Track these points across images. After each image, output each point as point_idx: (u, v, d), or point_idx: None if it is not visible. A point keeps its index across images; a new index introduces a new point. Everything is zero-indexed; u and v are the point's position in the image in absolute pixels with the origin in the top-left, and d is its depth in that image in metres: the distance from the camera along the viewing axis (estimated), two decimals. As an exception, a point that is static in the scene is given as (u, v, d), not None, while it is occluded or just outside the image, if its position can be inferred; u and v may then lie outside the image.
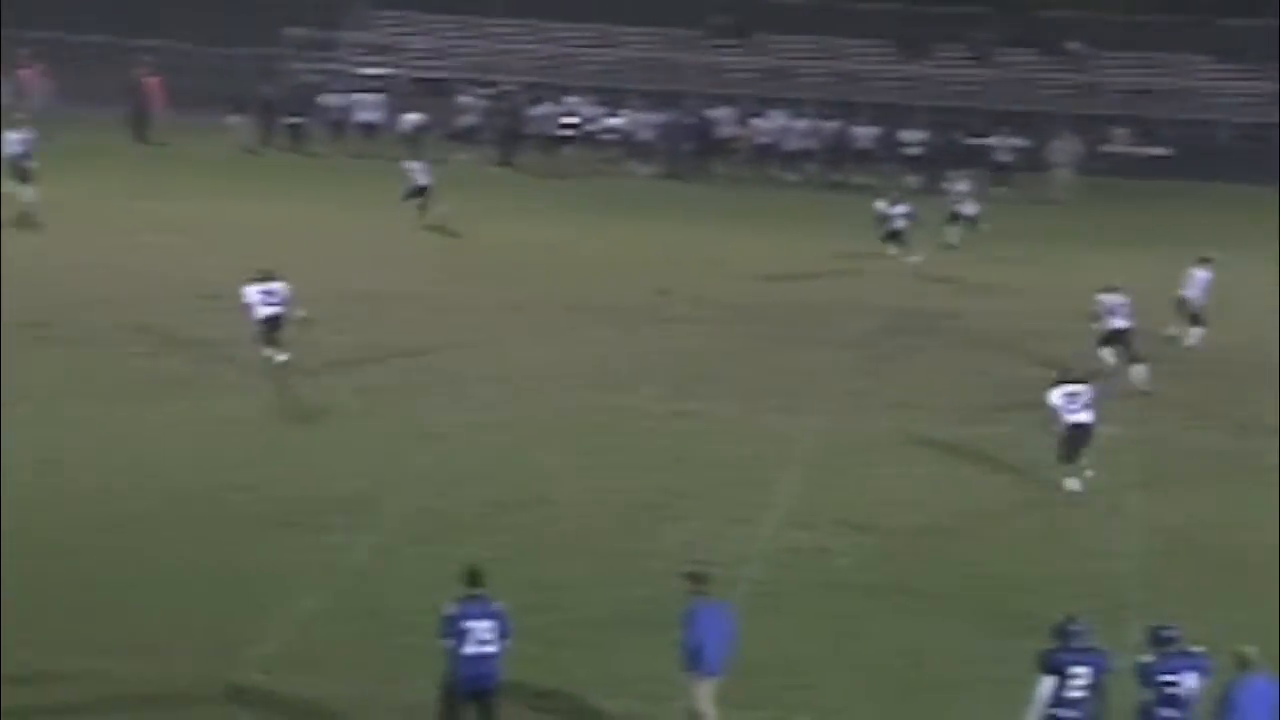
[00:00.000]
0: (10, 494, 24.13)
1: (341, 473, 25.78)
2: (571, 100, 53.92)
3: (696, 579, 18.52)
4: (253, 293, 30.30)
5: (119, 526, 23.46)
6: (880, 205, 40.77)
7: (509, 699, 18.74)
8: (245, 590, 21.72)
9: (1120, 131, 55.26)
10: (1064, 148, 52.49)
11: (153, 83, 52.24)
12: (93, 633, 20.26)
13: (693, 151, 52.45)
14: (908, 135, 52.59)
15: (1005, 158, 52.45)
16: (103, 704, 18.82)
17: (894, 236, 40.26)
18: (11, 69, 52.29)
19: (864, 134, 53.22)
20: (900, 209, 40.55)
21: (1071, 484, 26.22)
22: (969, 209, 42.67)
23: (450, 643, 17.62)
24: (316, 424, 27.93)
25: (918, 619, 21.85)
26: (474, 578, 17.95)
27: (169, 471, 25.48)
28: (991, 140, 52.73)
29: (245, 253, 35.45)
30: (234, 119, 51.80)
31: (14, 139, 40.31)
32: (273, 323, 30.19)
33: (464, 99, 53.88)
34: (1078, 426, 26.19)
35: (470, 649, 17.58)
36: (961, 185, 43.33)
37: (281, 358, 30.23)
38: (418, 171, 42.09)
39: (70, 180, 43.06)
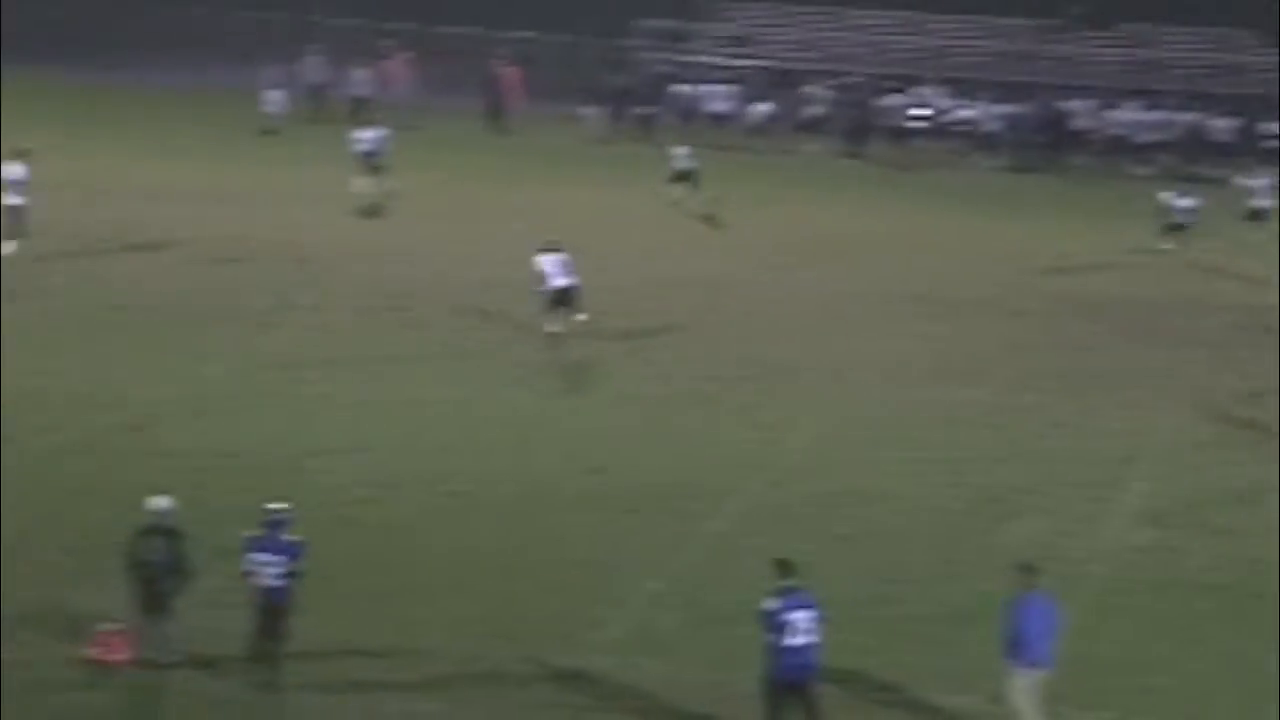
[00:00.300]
0: (364, 476, 24.96)
1: (683, 460, 26.13)
2: (922, 91, 53.64)
3: (1025, 570, 18.45)
4: (542, 264, 31.11)
5: (471, 508, 24.09)
6: (1165, 198, 39.99)
7: (846, 691, 18.91)
8: (588, 574, 22.17)
9: None
10: None
11: (511, 73, 53.26)
12: (446, 612, 20.85)
13: (1044, 144, 51.81)
14: (1268, 128, 51.22)
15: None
16: (455, 680, 19.36)
17: (1175, 230, 39.44)
18: (376, 60, 53.76)
19: (1221, 126, 51.98)
20: (1185, 202, 39.72)
21: None
22: (1264, 202, 41.50)
23: (772, 637, 17.78)
24: (661, 411, 28.32)
25: (1269, 623, 21.38)
26: (785, 569, 18.08)
27: (517, 455, 26.08)
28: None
29: (588, 241, 36.04)
30: (587, 109, 52.60)
31: (365, 137, 41.42)
32: (563, 294, 30.93)
33: (810, 90, 53.93)
34: None
35: (791, 641, 17.75)
36: (1257, 180, 42.13)
37: (556, 329, 30.93)
38: (683, 157, 42.30)
39: (425, 170, 44.21)
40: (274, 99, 50.18)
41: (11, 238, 34.13)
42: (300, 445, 25.81)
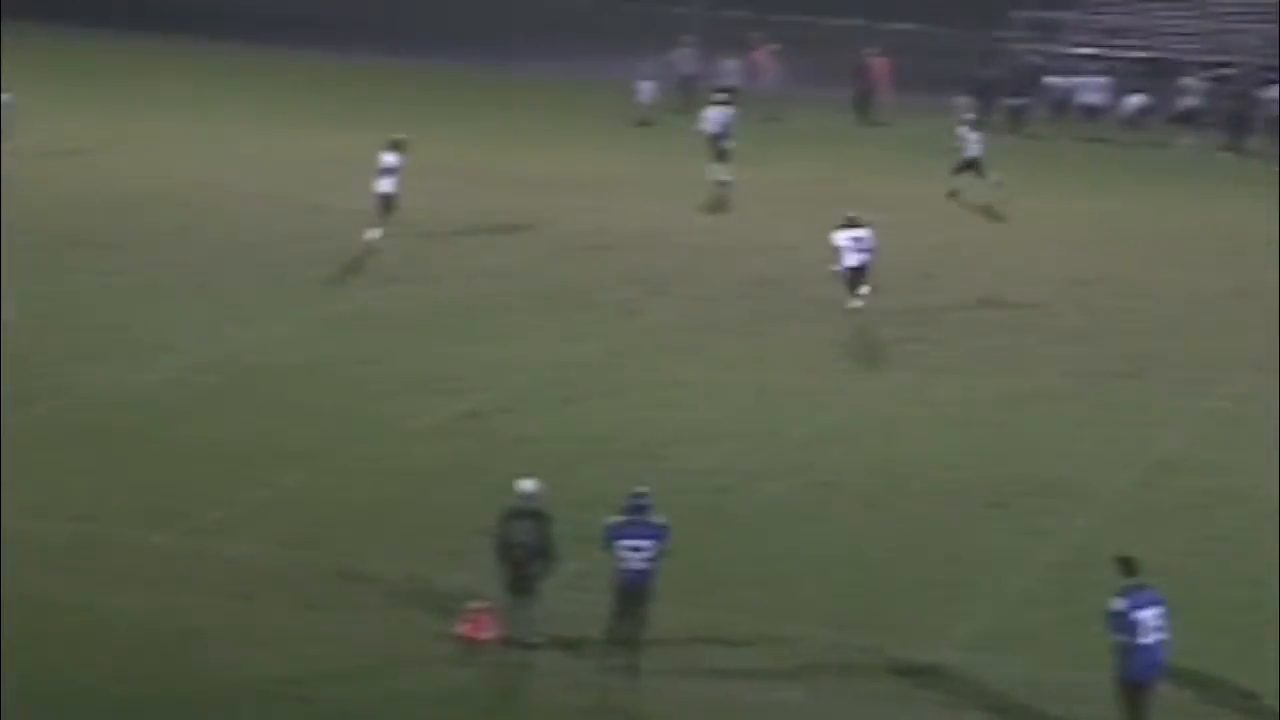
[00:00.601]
0: (725, 464, 25.12)
1: (1047, 455, 25.82)
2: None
3: None
4: (841, 239, 31.53)
5: (831, 500, 24.10)
6: None
7: (1205, 697, 18.52)
8: (948, 569, 22.04)
9: None
10: None
11: (880, 64, 53.06)
12: (804, 603, 20.92)
13: None
14: None
15: None
16: (812, 671, 19.42)
17: None
18: (745, 52, 54.05)
19: None
20: None
21: None
22: None
23: (1122, 637, 17.45)
24: (1025, 405, 28.02)
25: None
26: (1129, 567, 17.74)
27: (878, 447, 26.02)
28: None
29: (953, 233, 35.88)
30: (959, 100, 52.16)
31: (712, 117, 41.58)
32: (859, 270, 31.39)
33: (1186, 81, 52.67)
34: None
35: (1142, 640, 17.41)
36: None
37: (857, 304, 31.40)
38: (972, 143, 41.50)
39: (788, 160, 44.31)
40: (645, 90, 50.80)
41: (378, 224, 35.17)
42: (662, 432, 26.11)
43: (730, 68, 52.85)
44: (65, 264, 32.86)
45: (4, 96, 40.52)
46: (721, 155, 40.95)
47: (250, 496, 23.02)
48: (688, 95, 52.49)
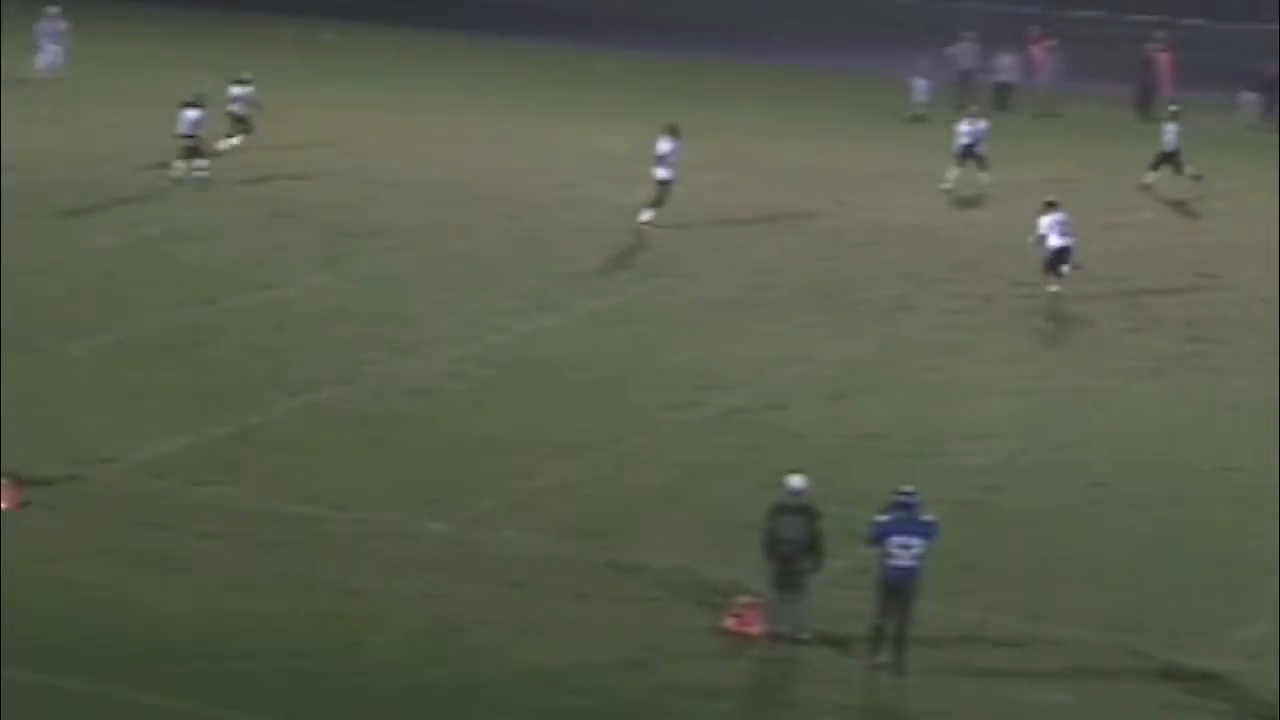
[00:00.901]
0: (995, 463, 24.86)
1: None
2: None
3: None
4: (1045, 223, 32.11)
5: (1104, 500, 23.75)
6: None
7: None
8: (1227, 573, 21.60)
9: None
10: None
11: (1163, 59, 52.10)
12: (1075, 604, 20.63)
13: None
14: None
15: None
16: (1081, 673, 19.14)
17: None
18: (1022, 46, 53.46)
19: None
20: None
21: None
22: None
23: None
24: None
25: None
26: None
27: (1152, 448, 25.58)
28: None
29: (1234, 233, 35.05)
30: (1246, 95, 51.05)
31: (963, 130, 41.06)
32: (1062, 253, 31.92)
33: None
34: None
35: None
36: None
37: (1055, 288, 31.91)
38: (1169, 135, 40.35)
39: (1063, 158, 43.65)
40: (920, 86, 50.46)
41: (653, 208, 35.54)
42: (931, 430, 25.93)
43: (1007, 63, 52.33)
44: (344, 256, 33.50)
45: (247, 89, 40.91)
46: (979, 162, 40.43)
47: (522, 486, 23.31)
48: (965, 90, 52.02)
